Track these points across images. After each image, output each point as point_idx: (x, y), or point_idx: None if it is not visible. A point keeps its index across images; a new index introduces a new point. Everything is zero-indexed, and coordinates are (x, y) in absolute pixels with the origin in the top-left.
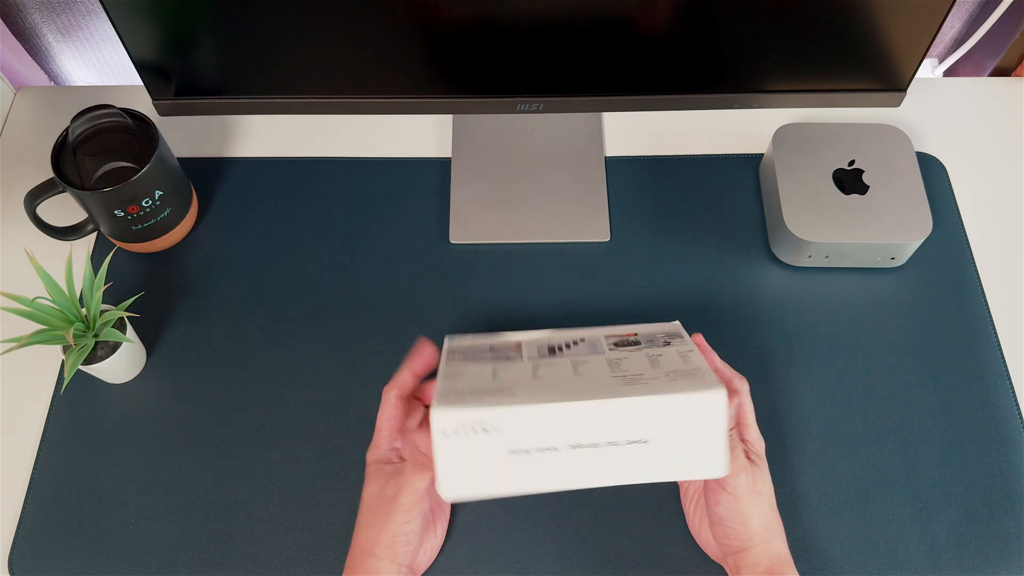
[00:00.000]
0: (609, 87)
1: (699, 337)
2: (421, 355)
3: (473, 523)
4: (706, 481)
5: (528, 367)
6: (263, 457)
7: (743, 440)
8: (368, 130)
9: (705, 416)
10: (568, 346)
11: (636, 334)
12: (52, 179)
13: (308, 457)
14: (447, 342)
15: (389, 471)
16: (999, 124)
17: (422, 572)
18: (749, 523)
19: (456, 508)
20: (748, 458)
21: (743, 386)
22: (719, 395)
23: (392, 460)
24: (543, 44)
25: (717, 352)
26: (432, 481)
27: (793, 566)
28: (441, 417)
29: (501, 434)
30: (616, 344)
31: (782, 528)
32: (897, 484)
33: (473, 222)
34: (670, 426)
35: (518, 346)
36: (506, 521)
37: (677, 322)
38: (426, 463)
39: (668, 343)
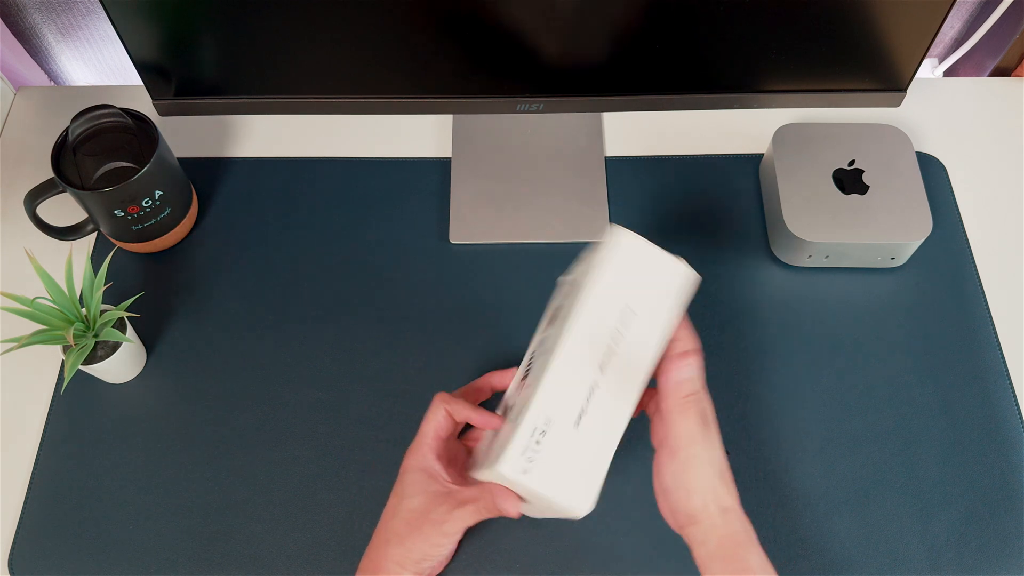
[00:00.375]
0: (609, 87)
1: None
2: (480, 389)
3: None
4: (659, 448)
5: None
6: (263, 457)
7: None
8: (368, 130)
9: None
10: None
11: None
12: (52, 179)
13: (308, 457)
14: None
15: (438, 492)
16: (999, 124)
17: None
18: (693, 495)
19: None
20: (705, 423)
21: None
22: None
23: (439, 476)
24: (543, 44)
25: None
26: (439, 434)
27: (752, 544)
28: (505, 467)
29: (552, 423)
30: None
31: (735, 503)
32: (897, 484)
33: (473, 222)
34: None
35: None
36: (506, 521)
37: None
38: (492, 509)
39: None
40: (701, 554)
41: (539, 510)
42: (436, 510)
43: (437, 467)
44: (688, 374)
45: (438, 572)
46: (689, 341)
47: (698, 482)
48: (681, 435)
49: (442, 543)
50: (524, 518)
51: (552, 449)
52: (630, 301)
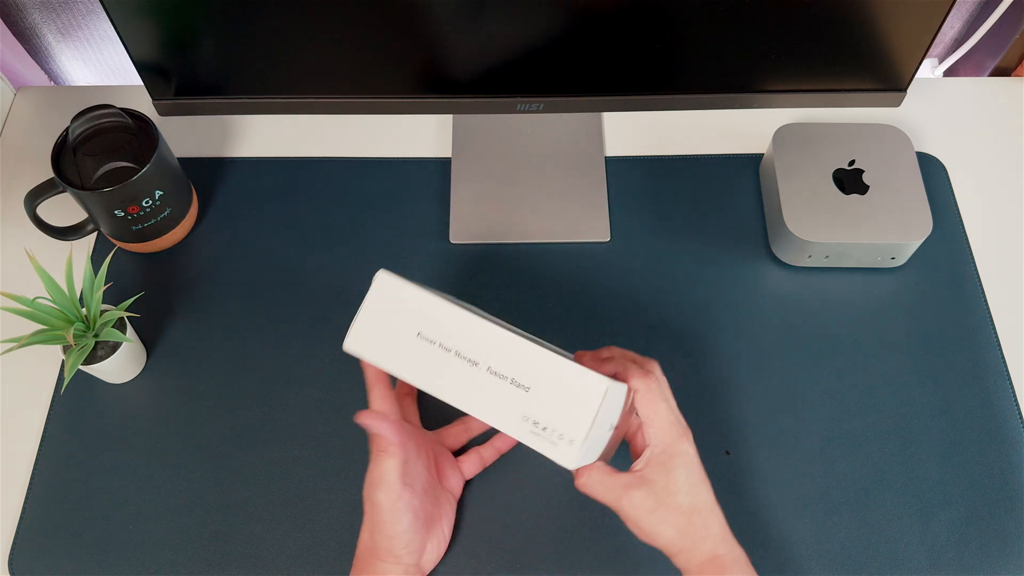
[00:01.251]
0: (609, 87)
1: (648, 372)
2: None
3: (473, 523)
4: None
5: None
6: (263, 457)
7: (638, 444)
8: (368, 130)
9: (582, 396)
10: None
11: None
12: (52, 179)
13: (308, 457)
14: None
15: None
16: (999, 124)
17: (429, 570)
18: (658, 540)
19: (457, 508)
20: (637, 471)
21: (645, 377)
22: (604, 383)
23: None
24: (543, 44)
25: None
26: (401, 471)
27: (735, 563)
28: (384, 276)
29: (421, 316)
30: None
31: (717, 527)
32: (897, 484)
33: (473, 222)
34: (551, 388)
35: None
36: (506, 521)
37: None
38: (384, 447)
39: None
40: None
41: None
42: (365, 493)
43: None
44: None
45: (432, 559)
46: (626, 370)
47: (660, 526)
48: (677, 492)
49: (393, 519)
50: (525, 518)
51: (401, 314)
52: None
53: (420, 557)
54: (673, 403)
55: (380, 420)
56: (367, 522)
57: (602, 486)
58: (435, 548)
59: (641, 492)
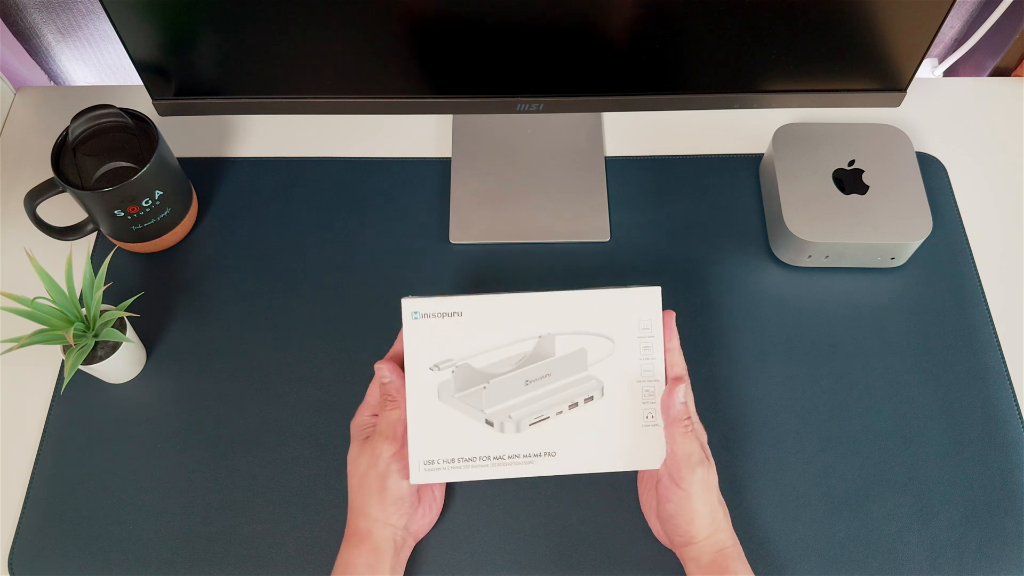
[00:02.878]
0: (609, 87)
1: (669, 316)
2: None
3: (473, 522)
4: (661, 477)
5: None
6: (263, 457)
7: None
8: (368, 130)
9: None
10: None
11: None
12: (52, 179)
13: (308, 457)
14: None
15: (362, 440)
16: (999, 124)
17: (421, 536)
18: (696, 521)
19: (456, 506)
20: (702, 446)
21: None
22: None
23: (368, 427)
24: (543, 44)
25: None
26: (402, 428)
27: (738, 556)
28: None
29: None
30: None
31: (727, 519)
32: (897, 484)
33: (473, 222)
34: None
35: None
36: (506, 521)
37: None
38: (388, 434)
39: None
40: (692, 568)
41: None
42: (363, 455)
43: (370, 419)
44: (682, 398)
45: (425, 525)
46: (680, 367)
47: (702, 507)
48: (682, 459)
49: (383, 468)
50: (524, 518)
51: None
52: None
53: (412, 520)
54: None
55: (394, 371)
56: (356, 485)
57: (684, 439)
58: (427, 514)
59: (704, 470)
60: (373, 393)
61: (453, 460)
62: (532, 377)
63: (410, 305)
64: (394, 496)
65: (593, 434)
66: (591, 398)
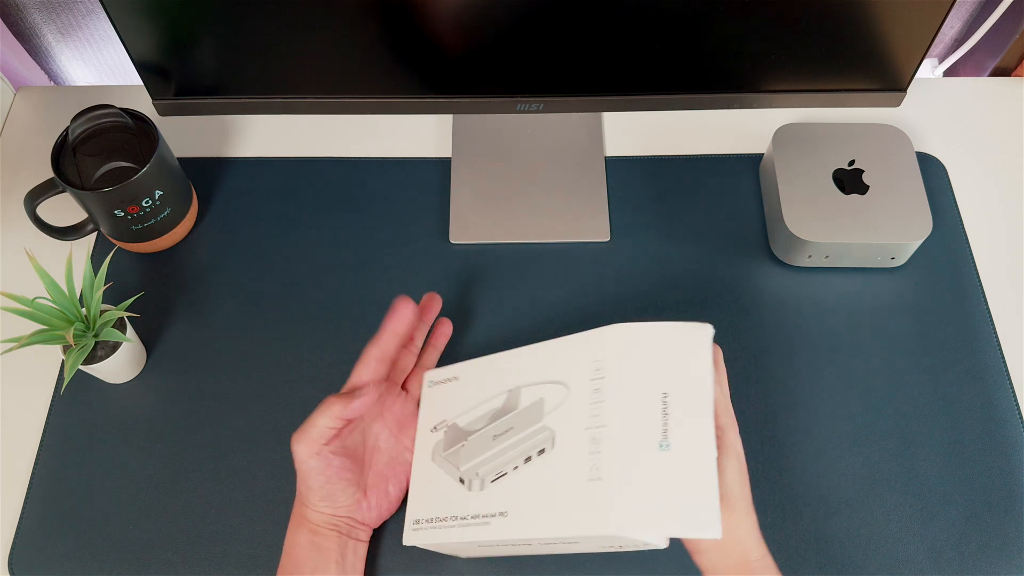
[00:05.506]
0: (609, 87)
1: (718, 353)
2: (400, 314)
3: None
4: None
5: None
6: (263, 457)
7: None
8: (368, 130)
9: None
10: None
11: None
12: (52, 179)
13: None
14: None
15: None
16: (999, 124)
17: (377, 524)
18: (742, 545)
19: None
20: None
21: (733, 434)
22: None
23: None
24: (543, 44)
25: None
26: (330, 435)
27: (763, 573)
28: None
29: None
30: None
31: (748, 530)
32: (897, 484)
33: (473, 222)
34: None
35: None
36: None
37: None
38: (329, 405)
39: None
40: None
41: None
42: (292, 445)
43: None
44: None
45: (374, 517)
46: (724, 423)
47: (748, 533)
48: (726, 484)
49: (304, 469)
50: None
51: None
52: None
53: (353, 512)
54: (727, 390)
55: (356, 387)
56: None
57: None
58: (375, 506)
59: (735, 462)
60: (354, 377)
61: (432, 520)
62: (498, 432)
63: (427, 377)
64: (319, 494)
65: (540, 491)
66: (543, 450)
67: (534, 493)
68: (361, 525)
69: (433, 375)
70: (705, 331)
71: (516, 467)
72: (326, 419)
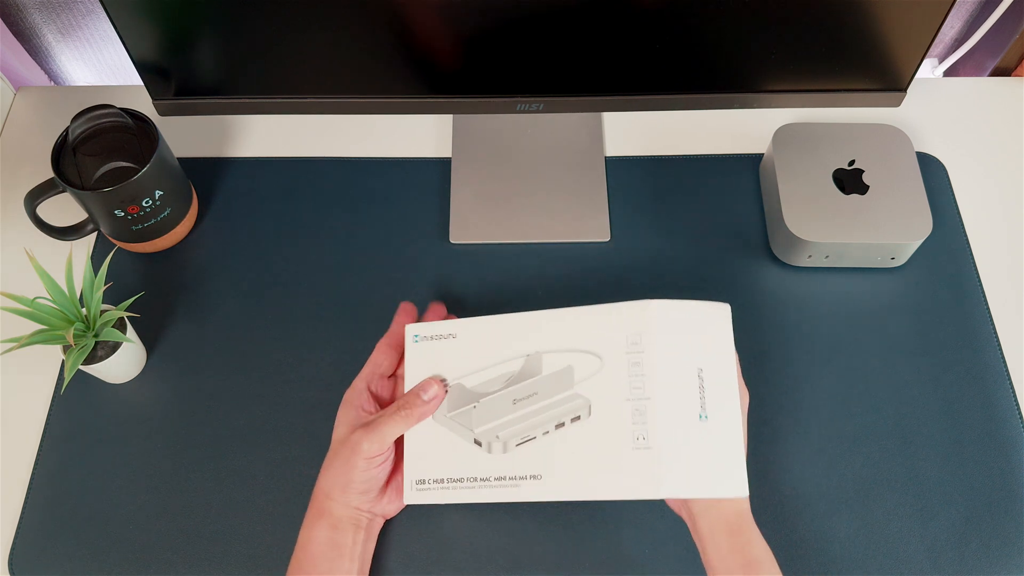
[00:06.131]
0: (609, 87)
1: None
2: (408, 311)
3: (473, 522)
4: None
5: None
6: (263, 457)
7: None
8: (368, 130)
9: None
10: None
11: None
12: (52, 179)
13: (308, 457)
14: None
15: (353, 419)
16: (999, 124)
17: (391, 516)
18: (736, 506)
19: (456, 506)
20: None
21: (744, 401)
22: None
23: (363, 407)
24: (543, 44)
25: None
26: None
27: (748, 521)
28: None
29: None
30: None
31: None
32: (897, 484)
33: (473, 222)
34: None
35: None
36: (506, 521)
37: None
38: (413, 405)
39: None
40: (702, 525)
41: None
42: (352, 436)
43: (365, 397)
44: None
45: (393, 509)
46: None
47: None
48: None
49: (361, 465)
50: (525, 518)
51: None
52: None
53: (377, 504)
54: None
55: (435, 381)
56: (329, 461)
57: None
58: (396, 498)
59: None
60: (367, 364)
61: (442, 480)
62: (519, 396)
63: (411, 330)
64: (359, 488)
65: (580, 457)
66: (577, 417)
67: (573, 459)
68: (380, 518)
69: (418, 329)
70: (725, 310)
71: (547, 432)
72: (402, 427)
